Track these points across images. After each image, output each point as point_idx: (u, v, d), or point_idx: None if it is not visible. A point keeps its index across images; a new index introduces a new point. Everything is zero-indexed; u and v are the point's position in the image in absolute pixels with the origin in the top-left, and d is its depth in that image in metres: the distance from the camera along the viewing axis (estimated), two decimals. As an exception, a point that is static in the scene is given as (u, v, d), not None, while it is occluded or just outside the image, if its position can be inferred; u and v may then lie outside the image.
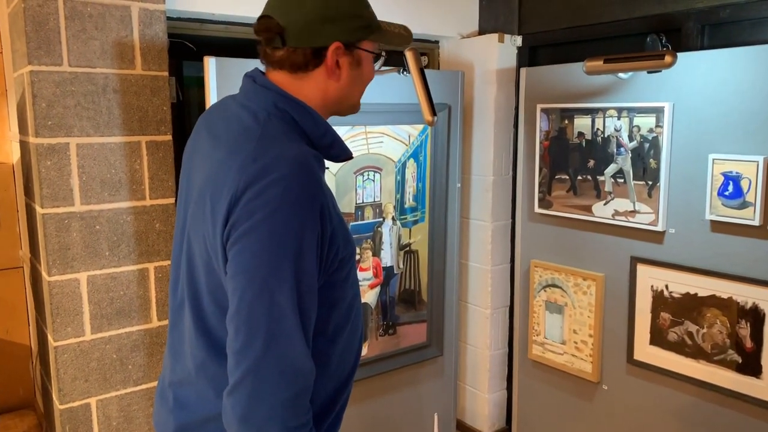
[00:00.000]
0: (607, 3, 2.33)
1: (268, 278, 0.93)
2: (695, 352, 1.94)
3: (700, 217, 1.89)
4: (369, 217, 2.35)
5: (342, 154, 1.14)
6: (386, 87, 2.27)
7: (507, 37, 2.63)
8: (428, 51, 2.85)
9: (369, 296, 2.40)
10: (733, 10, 2.00)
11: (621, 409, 2.20)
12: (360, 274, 2.35)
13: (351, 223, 2.30)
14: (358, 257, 2.32)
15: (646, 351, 2.07)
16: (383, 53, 1.17)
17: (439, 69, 2.83)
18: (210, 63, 1.92)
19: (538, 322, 2.43)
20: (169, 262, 2.03)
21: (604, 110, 2.10)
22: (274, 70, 1.10)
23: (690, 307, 1.93)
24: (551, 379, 2.44)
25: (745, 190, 1.76)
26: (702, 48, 2.08)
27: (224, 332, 1.00)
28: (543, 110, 2.32)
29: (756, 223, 1.75)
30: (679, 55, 1.93)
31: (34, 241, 2.08)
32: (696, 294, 1.91)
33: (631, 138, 2.04)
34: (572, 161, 2.23)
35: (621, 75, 2.02)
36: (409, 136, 2.40)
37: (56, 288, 1.87)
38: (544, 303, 2.40)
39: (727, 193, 1.80)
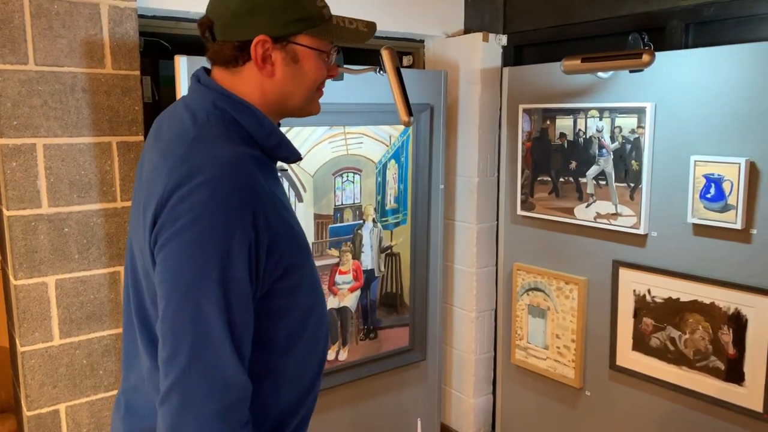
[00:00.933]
0: (591, 1, 2.29)
1: (193, 286, 0.89)
2: (678, 359, 1.89)
3: (682, 220, 1.84)
4: (349, 219, 2.30)
5: (291, 155, 1.09)
6: (366, 87, 2.23)
7: (492, 36, 2.59)
8: (413, 50, 2.81)
9: (349, 300, 2.35)
10: (717, 8, 1.95)
11: (604, 416, 2.15)
12: (339, 277, 2.31)
13: (330, 226, 2.26)
14: (336, 260, 2.28)
15: (628, 357, 2.02)
16: (333, 50, 1.11)
17: (424, 68, 2.79)
18: (181, 62, 1.88)
19: (521, 326, 2.39)
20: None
21: (585, 111, 2.06)
22: (214, 66, 1.06)
23: (672, 312, 1.89)
24: (534, 384, 2.39)
25: (727, 193, 1.72)
26: (686, 47, 2.03)
27: None
28: (525, 111, 2.27)
29: (738, 226, 1.71)
30: (662, 54, 1.89)
31: (2, 244, 2.04)
32: (678, 299, 1.87)
33: (612, 139, 2.00)
34: (554, 163, 2.19)
35: (600, 74, 1.97)
36: (390, 137, 2.36)
37: (23, 292, 1.83)
38: (527, 307, 2.35)
39: (709, 196, 1.76)
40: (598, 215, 2.06)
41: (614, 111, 1.98)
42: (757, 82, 1.68)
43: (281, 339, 1.03)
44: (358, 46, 2.42)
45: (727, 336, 1.77)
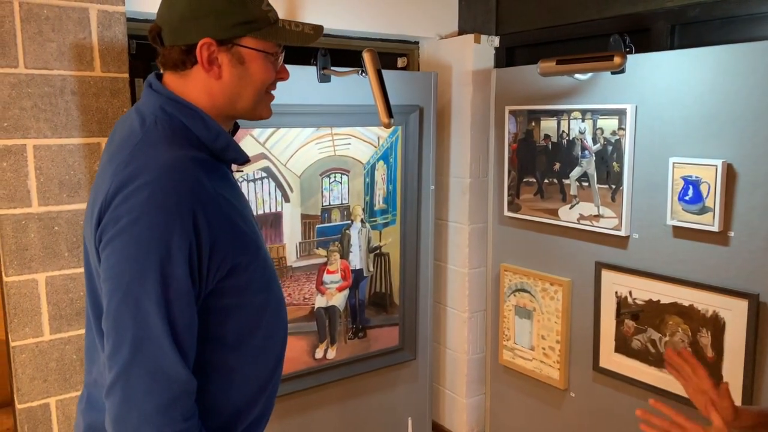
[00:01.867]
0: (580, 3, 2.29)
1: (133, 284, 0.93)
2: (658, 361, 1.89)
3: (662, 222, 1.84)
4: (336, 219, 2.33)
5: (239, 157, 1.12)
6: (352, 88, 2.25)
7: (483, 37, 2.60)
8: (408, 52, 2.83)
9: (337, 299, 2.38)
10: (702, 9, 1.94)
11: (588, 418, 2.15)
12: (327, 277, 2.34)
13: (317, 226, 2.29)
14: (324, 260, 2.31)
15: (611, 359, 2.02)
16: (280, 52, 1.13)
17: (419, 70, 2.80)
18: (167, 65, 1.92)
19: (508, 327, 2.39)
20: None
21: (569, 112, 2.06)
22: (165, 71, 1.09)
23: (653, 314, 1.88)
24: (522, 385, 2.40)
25: (704, 195, 1.71)
26: (672, 48, 2.02)
27: None
28: (511, 112, 2.28)
29: (715, 228, 1.70)
30: (643, 55, 1.89)
31: (-3, 242, 2.10)
32: (659, 301, 1.86)
33: (595, 140, 2.00)
34: (539, 164, 2.19)
35: (578, 76, 1.97)
36: (379, 138, 2.38)
37: (13, 288, 1.89)
38: (514, 308, 2.36)
39: (687, 198, 1.75)
40: (581, 217, 2.06)
41: (596, 113, 1.98)
42: (735, 83, 1.67)
43: (231, 337, 1.06)
44: (341, 48, 2.45)
45: (705, 339, 1.77)
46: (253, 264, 1.07)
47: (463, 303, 2.72)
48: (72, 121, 1.92)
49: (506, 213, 2.36)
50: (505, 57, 2.64)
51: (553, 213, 2.16)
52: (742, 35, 1.89)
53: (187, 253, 0.95)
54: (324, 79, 2.19)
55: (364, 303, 2.46)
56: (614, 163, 1.94)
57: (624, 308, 1.96)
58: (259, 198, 2.13)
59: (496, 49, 2.62)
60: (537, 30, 2.47)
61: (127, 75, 2.00)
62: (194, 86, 1.08)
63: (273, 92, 1.16)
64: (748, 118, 1.65)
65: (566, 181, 2.11)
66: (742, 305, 1.67)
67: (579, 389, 2.17)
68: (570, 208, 2.10)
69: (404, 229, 2.50)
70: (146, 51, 2.22)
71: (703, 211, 1.72)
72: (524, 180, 2.27)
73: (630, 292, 1.94)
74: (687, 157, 1.75)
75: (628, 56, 1.88)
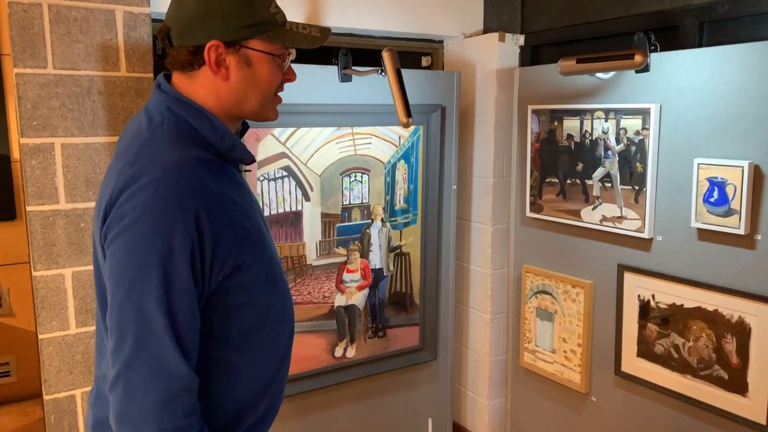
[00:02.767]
0: (606, 0, 2.25)
1: (135, 281, 0.95)
2: (681, 366, 1.84)
3: (686, 224, 1.79)
4: (357, 218, 2.34)
5: (245, 157, 1.13)
6: (373, 88, 2.25)
7: (508, 36, 2.57)
8: (432, 51, 2.82)
9: (357, 298, 2.39)
10: (731, 5, 1.89)
11: (609, 423, 2.11)
12: (347, 276, 2.34)
13: (337, 225, 2.30)
14: (344, 259, 2.32)
15: (633, 363, 1.98)
16: (288, 54, 1.14)
17: (443, 69, 2.79)
18: (190, 65, 1.95)
19: (529, 329, 2.37)
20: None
21: (592, 112, 2.03)
22: (173, 72, 1.11)
23: (676, 318, 1.84)
24: (542, 388, 2.37)
25: (730, 197, 1.66)
26: (700, 46, 1.97)
27: None
28: (534, 111, 2.25)
29: (741, 231, 1.65)
30: (668, 53, 1.84)
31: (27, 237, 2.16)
32: (682, 305, 1.82)
33: (618, 141, 1.96)
34: (561, 164, 2.16)
35: (601, 75, 1.94)
36: (399, 138, 2.38)
37: (41, 283, 1.94)
38: (536, 310, 2.33)
39: (712, 200, 1.70)
40: (604, 218, 2.02)
41: (619, 112, 1.94)
42: (764, 82, 1.62)
43: (235, 335, 1.07)
44: (367, 48, 2.45)
45: (730, 345, 1.71)
46: (258, 263, 1.08)
47: (485, 304, 2.70)
48: (98, 120, 1.97)
49: (528, 214, 2.33)
50: (530, 56, 2.60)
51: (576, 214, 2.13)
52: (774, 32, 1.83)
53: (189, 251, 0.96)
54: (345, 78, 2.20)
55: (384, 302, 2.46)
56: (638, 164, 1.90)
57: (647, 312, 1.91)
58: (280, 197, 2.15)
59: (521, 47, 2.59)
60: (563, 28, 2.44)
61: (151, 75, 2.04)
62: (201, 87, 1.09)
63: (280, 94, 1.17)
64: (777, 118, 1.59)
65: (589, 182, 2.07)
66: (769, 311, 1.62)
67: (600, 393, 2.13)
68: (593, 210, 2.06)
69: (425, 228, 2.49)
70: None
71: (729, 213, 1.67)
72: (547, 180, 2.24)
73: (653, 296, 1.89)
74: (712, 158, 1.70)
75: (653, 54, 1.84)
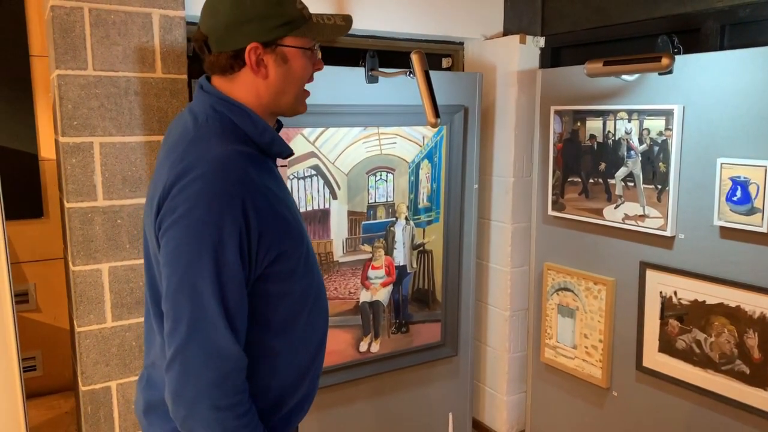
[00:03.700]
0: (628, 3, 2.29)
1: (189, 268, 1.01)
2: (703, 361, 1.88)
3: (709, 222, 1.84)
4: (381, 216, 2.39)
5: (284, 150, 1.20)
6: (399, 89, 2.31)
7: (529, 38, 2.62)
8: (453, 52, 2.87)
9: (381, 294, 2.44)
10: (753, 9, 1.93)
11: (630, 417, 2.16)
12: (372, 272, 2.40)
13: (363, 222, 2.35)
14: (369, 255, 2.37)
15: (655, 358, 2.02)
16: (316, 48, 1.20)
17: (463, 70, 2.84)
18: (224, 66, 2.01)
19: (550, 325, 2.41)
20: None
21: (615, 112, 2.07)
22: (213, 75, 1.18)
23: (698, 314, 1.88)
24: (563, 383, 2.41)
25: (753, 196, 1.70)
26: (722, 48, 2.01)
27: None
28: (556, 112, 2.30)
29: (764, 230, 1.69)
30: (692, 56, 1.89)
31: (65, 234, 2.23)
32: (704, 301, 1.86)
33: (641, 141, 2.00)
34: (584, 164, 2.21)
35: (625, 77, 1.98)
36: (423, 138, 2.43)
37: (80, 277, 2.01)
38: (557, 306, 2.38)
39: (735, 199, 1.75)
40: (626, 216, 2.07)
41: (643, 113, 1.99)
42: (786, 84, 1.66)
43: (277, 321, 1.14)
44: (389, 49, 2.50)
45: (752, 340, 1.76)
46: (297, 251, 1.14)
47: (504, 301, 2.74)
48: (135, 120, 2.03)
49: (550, 212, 2.38)
50: (551, 57, 2.65)
51: (598, 213, 2.17)
52: (795, 35, 1.87)
53: (238, 239, 1.02)
54: (372, 80, 2.25)
55: (407, 299, 2.51)
56: (660, 164, 1.94)
57: (669, 308, 1.96)
58: (309, 195, 2.21)
59: (542, 49, 2.64)
60: (583, 31, 2.48)
61: (185, 76, 2.10)
62: (242, 87, 1.16)
63: (308, 89, 1.24)
64: (799, 119, 1.64)
65: (611, 181, 2.11)
66: (791, 307, 1.66)
67: (621, 388, 2.18)
68: (615, 208, 2.11)
69: (447, 227, 2.55)
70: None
71: (752, 212, 1.71)
72: (569, 179, 2.29)
73: (675, 293, 1.94)
74: (735, 157, 1.75)
75: (676, 57, 1.88)
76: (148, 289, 1.20)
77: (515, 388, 2.81)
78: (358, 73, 2.25)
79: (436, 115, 1.95)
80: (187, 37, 2.10)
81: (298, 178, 2.18)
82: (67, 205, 1.97)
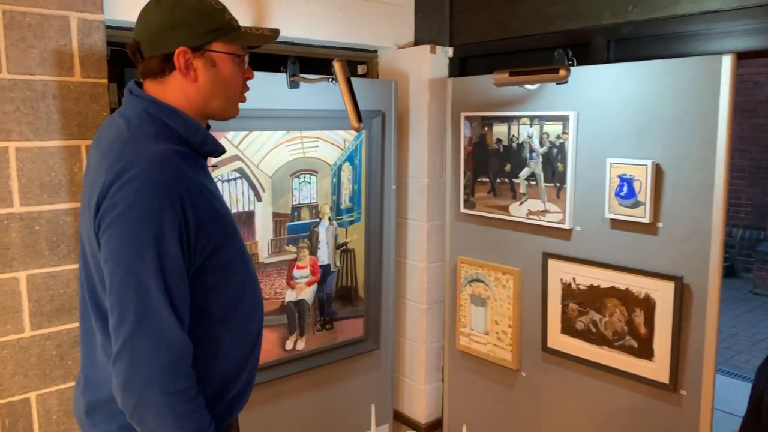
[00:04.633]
0: (527, 17, 2.52)
1: (133, 261, 1.07)
2: (599, 339, 2.12)
3: (601, 215, 2.08)
4: (306, 217, 2.48)
5: (216, 149, 1.28)
6: (320, 94, 2.40)
7: (439, 48, 2.80)
8: (368, 60, 3.00)
9: (306, 293, 2.52)
10: (634, 27, 2.20)
11: (538, 394, 2.38)
12: (297, 272, 2.48)
13: (288, 224, 2.43)
14: (294, 256, 2.45)
15: (558, 339, 2.25)
16: (244, 53, 1.28)
17: (378, 77, 2.98)
18: (147, 71, 2.03)
19: (464, 314, 2.60)
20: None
21: (518, 118, 2.28)
22: (144, 79, 1.24)
23: (594, 297, 2.12)
24: (477, 368, 2.61)
25: (637, 191, 1.95)
26: (608, 61, 2.27)
27: None
28: (466, 118, 2.49)
29: (646, 220, 1.95)
30: (584, 68, 2.13)
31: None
32: (599, 286, 2.10)
33: (541, 144, 2.22)
34: (492, 165, 2.41)
35: (528, 86, 2.20)
36: (345, 141, 2.54)
37: (-5, 286, 1.95)
38: (470, 297, 2.56)
39: (622, 194, 1.99)
40: (530, 212, 2.28)
41: (542, 119, 2.21)
42: (662, 93, 1.92)
43: (217, 311, 1.21)
44: (307, 56, 2.60)
45: (639, 318, 2.01)
46: (233, 245, 1.23)
47: (422, 295, 2.91)
48: (53, 124, 1.99)
49: (462, 210, 2.56)
50: (459, 66, 2.85)
51: (505, 209, 2.38)
52: (669, 51, 2.15)
53: (177, 232, 1.09)
54: (293, 85, 2.33)
55: (332, 296, 2.61)
56: (559, 164, 2.17)
57: (568, 293, 2.19)
58: (233, 197, 2.26)
59: (450, 59, 2.83)
60: (488, 42, 2.69)
61: (105, 80, 2.09)
62: (173, 90, 1.23)
63: (245, 94, 1.32)
64: (672, 124, 1.90)
65: (516, 181, 2.33)
66: (669, 287, 1.92)
67: (530, 369, 2.39)
68: (520, 205, 2.32)
69: (368, 226, 2.67)
70: (120, 57, 2.31)
71: (636, 205, 1.96)
72: (478, 180, 2.48)
73: (574, 279, 2.17)
74: (622, 157, 2.00)
75: (571, 68, 2.11)
76: (86, 290, 1.23)
77: (433, 377, 2.98)
78: (281, 78, 2.33)
79: (359, 119, 2.07)
80: (107, 40, 2.09)
81: (223, 181, 2.22)
82: (-20, 212, 1.91)
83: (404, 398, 3.09)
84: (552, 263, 2.23)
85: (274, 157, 2.34)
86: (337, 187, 2.55)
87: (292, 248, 2.45)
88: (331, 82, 2.21)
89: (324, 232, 2.54)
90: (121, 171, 1.10)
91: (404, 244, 2.96)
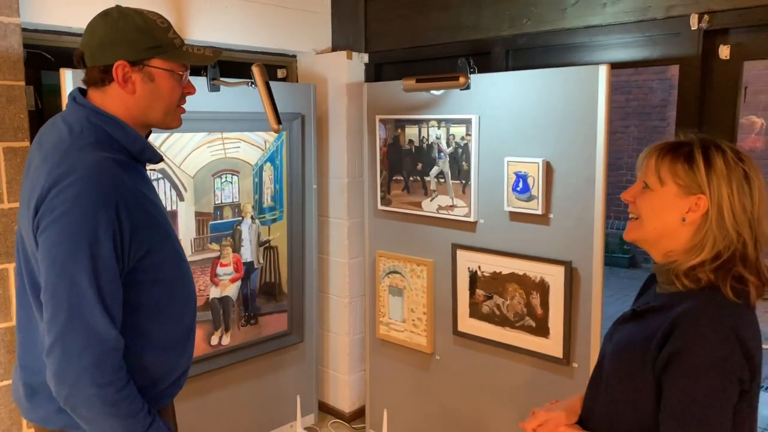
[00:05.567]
0: (435, 28, 2.72)
1: (67, 261, 1.16)
2: (502, 321, 2.34)
3: (501, 209, 2.30)
4: (228, 216, 2.57)
5: (154, 157, 1.38)
6: (240, 97, 2.50)
7: (355, 54, 2.95)
8: (287, 64, 3.12)
9: (230, 289, 2.61)
10: (528, 38, 2.44)
11: (451, 374, 2.57)
12: (221, 269, 2.56)
13: (210, 222, 2.51)
14: (217, 254, 2.54)
15: (467, 323, 2.45)
16: (184, 70, 1.37)
17: (297, 81, 3.10)
18: (66, 75, 2.07)
19: (383, 305, 2.76)
20: (28, 262, 2.14)
21: (427, 121, 2.48)
22: (88, 87, 1.33)
23: (497, 283, 2.34)
24: (395, 354, 2.78)
25: (531, 186, 2.18)
26: (507, 69, 2.50)
27: None
28: (381, 120, 2.66)
29: (539, 212, 2.18)
30: (484, 75, 2.34)
31: None
32: (501, 272, 2.32)
33: (448, 144, 2.42)
34: (405, 164, 2.59)
35: (434, 92, 2.39)
36: (265, 142, 2.65)
37: None
38: (388, 288, 2.73)
39: (518, 189, 2.22)
40: (440, 207, 2.48)
41: (449, 121, 2.41)
42: (551, 98, 2.15)
43: (151, 305, 1.31)
44: (226, 60, 2.69)
45: (536, 299, 2.24)
46: (165, 246, 1.32)
47: (344, 289, 3.05)
48: (-32, 126, 2.00)
49: (380, 207, 2.73)
50: (374, 72, 3.01)
51: (418, 205, 2.57)
52: (558, 61, 2.40)
53: (111, 236, 1.18)
54: (214, 88, 2.42)
55: (256, 292, 2.71)
56: (464, 163, 2.38)
57: (475, 280, 2.40)
58: (156, 197, 2.32)
59: (366, 64, 2.99)
60: (401, 49, 2.88)
61: (23, 83, 2.11)
62: (113, 100, 1.31)
63: (184, 106, 1.41)
64: (560, 126, 2.14)
65: (427, 179, 2.52)
66: (560, 270, 2.16)
67: (443, 352, 2.59)
68: (431, 201, 2.51)
69: (290, 224, 2.79)
70: (36, 59, 2.32)
71: (530, 198, 2.19)
72: (394, 178, 2.66)
73: (479, 267, 2.38)
74: (517, 156, 2.22)
75: (473, 75, 2.32)
76: (27, 284, 1.30)
77: (356, 368, 3.13)
78: (201, 82, 2.41)
79: (278, 122, 2.19)
80: (24, 43, 2.11)
81: (146, 182, 2.28)
82: None
83: (329, 389, 3.23)
84: (460, 253, 2.43)
85: (195, 157, 2.42)
86: (259, 187, 2.66)
87: (215, 246, 2.53)
88: (251, 86, 2.31)
89: (247, 230, 2.64)
90: (60, 177, 1.18)
91: (326, 241, 3.09)
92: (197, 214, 2.46)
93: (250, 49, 2.84)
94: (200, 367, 2.52)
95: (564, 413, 1.33)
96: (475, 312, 2.42)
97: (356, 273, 3.04)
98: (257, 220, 2.67)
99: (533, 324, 2.26)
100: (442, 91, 2.39)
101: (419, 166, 2.54)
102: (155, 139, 2.28)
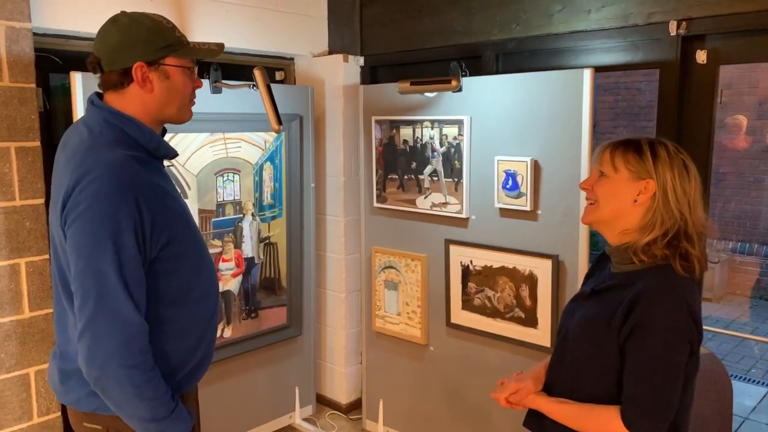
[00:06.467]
0: (428, 32, 2.83)
1: (93, 253, 1.26)
2: (493, 313, 2.45)
3: (491, 205, 2.41)
4: (230, 213, 2.67)
5: (169, 153, 1.47)
6: (242, 99, 2.60)
7: (351, 57, 3.06)
8: (285, 67, 3.22)
9: (232, 284, 2.71)
10: (517, 42, 2.55)
11: (444, 365, 2.68)
12: (223, 265, 2.66)
13: (213, 219, 2.61)
14: (219, 249, 2.63)
15: (459, 315, 2.56)
16: (193, 65, 1.48)
17: (295, 83, 3.20)
18: (77, 78, 2.16)
19: (379, 299, 2.87)
20: (40, 258, 2.23)
21: (421, 122, 2.59)
22: (105, 91, 1.43)
23: (488, 276, 2.45)
24: (391, 346, 2.89)
25: (520, 184, 2.29)
26: (497, 72, 2.61)
27: None
28: (376, 121, 2.76)
29: (528, 208, 2.29)
30: (476, 78, 2.45)
31: None
32: (492, 266, 2.43)
33: (441, 144, 2.53)
34: (400, 164, 2.70)
35: (427, 94, 2.50)
36: (265, 142, 2.75)
37: (-73, 283, 2.02)
38: (384, 282, 2.84)
39: (508, 186, 2.33)
40: (433, 204, 2.59)
41: (442, 122, 2.52)
42: (538, 100, 2.27)
43: (173, 294, 1.40)
44: (226, 62, 2.79)
45: (525, 292, 2.35)
46: (186, 236, 1.42)
47: (340, 285, 3.15)
48: (-18, 127, 2.09)
49: (375, 204, 2.84)
50: (370, 74, 3.12)
51: (412, 202, 2.68)
52: (545, 64, 2.51)
53: (133, 227, 1.28)
54: (216, 90, 2.52)
55: (256, 287, 2.81)
56: (456, 162, 2.49)
57: (467, 274, 2.51)
58: (161, 195, 2.41)
59: (362, 67, 3.10)
60: (395, 53, 2.98)
61: (34, 85, 2.20)
62: (131, 100, 1.41)
63: (194, 100, 1.51)
64: (547, 126, 2.25)
65: (421, 177, 2.63)
66: (548, 264, 2.27)
67: (436, 343, 2.70)
68: (424, 198, 2.62)
69: (289, 221, 2.89)
70: (45, 62, 2.41)
71: (519, 195, 2.30)
72: (389, 177, 2.76)
73: (471, 261, 2.49)
74: (507, 155, 2.33)
75: (464, 78, 2.43)
76: (57, 277, 1.40)
77: (352, 360, 3.24)
78: (204, 84, 2.50)
79: (279, 122, 2.29)
80: (35, 47, 2.20)
81: (152, 180, 2.37)
82: None
83: (326, 381, 3.33)
84: (453, 248, 2.54)
85: (199, 157, 2.52)
86: (259, 185, 2.76)
87: (217, 242, 2.63)
88: (252, 88, 2.41)
89: (248, 227, 2.74)
90: (83, 175, 1.28)
91: (323, 238, 3.19)
92: (200, 211, 2.56)
93: (249, 52, 2.94)
94: (203, 359, 2.61)
95: (531, 382, 1.48)
96: (467, 304, 2.53)
97: (353, 268, 3.14)
98: (258, 218, 2.77)
99: (522, 315, 2.37)
100: (435, 94, 2.50)
101: (413, 165, 2.65)
102: (160, 139, 2.38)
